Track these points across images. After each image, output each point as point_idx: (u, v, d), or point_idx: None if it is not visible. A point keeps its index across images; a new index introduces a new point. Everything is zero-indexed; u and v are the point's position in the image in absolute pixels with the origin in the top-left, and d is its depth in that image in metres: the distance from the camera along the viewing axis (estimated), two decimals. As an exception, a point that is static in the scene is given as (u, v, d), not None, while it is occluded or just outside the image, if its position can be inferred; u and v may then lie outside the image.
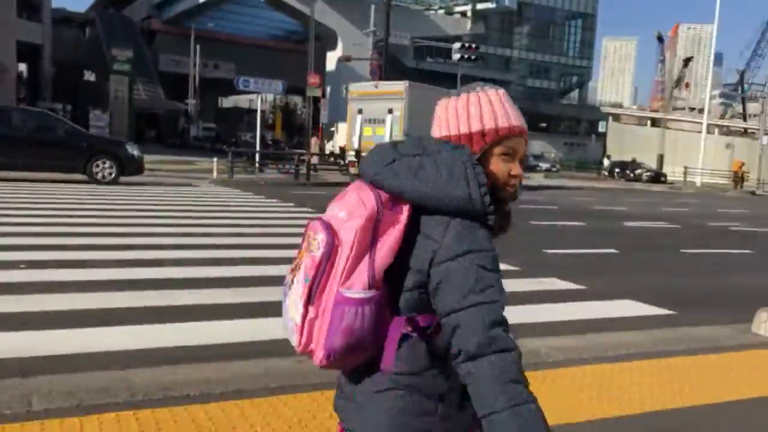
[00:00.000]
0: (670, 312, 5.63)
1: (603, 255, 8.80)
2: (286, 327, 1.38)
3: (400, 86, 20.84)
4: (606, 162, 48.36)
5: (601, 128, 59.32)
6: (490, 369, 1.21)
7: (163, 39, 62.18)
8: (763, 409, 3.48)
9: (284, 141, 35.65)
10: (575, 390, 3.50)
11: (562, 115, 74.54)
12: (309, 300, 1.30)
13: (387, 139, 19.86)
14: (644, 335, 4.79)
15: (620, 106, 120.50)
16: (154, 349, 3.95)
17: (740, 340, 4.76)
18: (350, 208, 1.31)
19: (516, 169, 1.39)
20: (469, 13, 60.02)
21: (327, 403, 3.04)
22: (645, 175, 40.82)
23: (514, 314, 4.72)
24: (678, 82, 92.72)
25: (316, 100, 34.84)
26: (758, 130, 47.80)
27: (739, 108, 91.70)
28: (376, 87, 21.60)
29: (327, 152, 33.28)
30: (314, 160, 25.69)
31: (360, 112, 21.14)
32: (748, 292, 6.23)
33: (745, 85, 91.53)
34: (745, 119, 78.35)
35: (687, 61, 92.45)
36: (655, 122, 59.50)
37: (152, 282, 5.64)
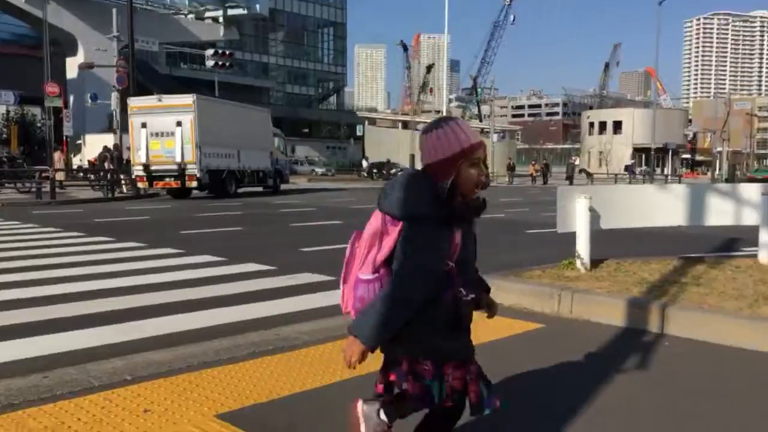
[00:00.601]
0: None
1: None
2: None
3: (188, 99, 21.02)
4: (365, 163, 51.41)
5: (359, 132, 62.71)
6: (384, 288, 2.07)
7: None
8: (483, 351, 4.29)
9: (22, 157, 32.07)
10: (325, 361, 3.96)
11: (322, 120, 77.34)
12: (345, 280, 2.22)
13: (178, 152, 20.55)
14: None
15: (375, 110, 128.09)
16: None
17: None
18: (369, 225, 2.16)
19: (482, 170, 2.10)
20: (221, 19, 59.36)
21: (76, 411, 3.13)
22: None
23: (269, 308, 5.13)
24: (423, 87, 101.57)
25: (57, 111, 31.95)
26: (490, 129, 54.43)
27: (476, 110, 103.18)
28: (160, 101, 21.51)
29: (74, 167, 30.76)
30: (60, 176, 23.64)
31: (144, 126, 20.81)
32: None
33: (478, 89, 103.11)
34: (480, 120, 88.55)
35: (429, 68, 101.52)
36: (406, 124, 64.61)
37: None
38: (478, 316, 2.32)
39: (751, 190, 7.34)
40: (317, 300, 6.03)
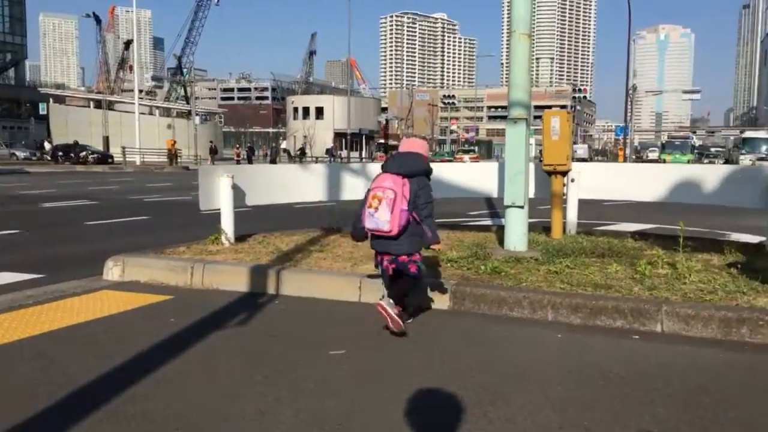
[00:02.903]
0: (40, 276, 6.22)
1: (1, 236, 8.82)
2: (376, 224, 4.15)
3: None
4: (47, 145, 46.31)
5: (42, 110, 55.91)
6: (427, 223, 4.22)
7: None
8: (99, 324, 4.36)
9: None
10: None
11: (-2, 97, 67.49)
12: (392, 211, 4.08)
13: None
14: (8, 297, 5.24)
15: (63, 87, 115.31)
16: None
17: (91, 286, 5.68)
18: (394, 183, 4.15)
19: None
20: None
21: None
22: (91, 157, 40.83)
23: None
24: (122, 64, 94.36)
25: None
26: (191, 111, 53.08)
27: (182, 91, 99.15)
28: None
29: None
30: None
31: None
32: (123, 250, 7.25)
33: (184, 70, 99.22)
34: (187, 101, 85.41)
35: (128, 43, 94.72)
36: (100, 103, 59.43)
37: None
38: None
39: (377, 168, 8.56)
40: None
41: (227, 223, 6.98)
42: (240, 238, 7.35)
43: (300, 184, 7.94)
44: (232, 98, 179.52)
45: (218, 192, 6.99)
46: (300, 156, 47.85)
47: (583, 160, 70.70)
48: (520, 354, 3.96)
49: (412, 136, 4.67)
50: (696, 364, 3.77)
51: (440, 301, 5.05)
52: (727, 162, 50.46)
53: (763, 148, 52.16)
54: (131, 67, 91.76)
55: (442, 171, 9.05)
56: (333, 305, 5.11)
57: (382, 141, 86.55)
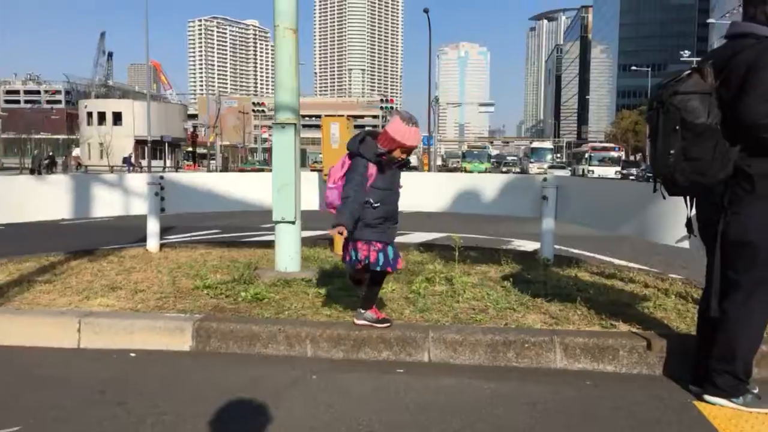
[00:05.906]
0: None
1: None
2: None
3: None
4: None
5: None
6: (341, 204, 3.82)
7: None
8: None
9: None
10: None
11: None
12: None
13: None
14: None
15: None
16: None
17: None
18: (338, 163, 3.98)
19: (405, 155, 3.93)
20: None
21: None
22: None
23: None
24: None
25: None
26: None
27: None
28: None
29: None
30: None
31: None
32: None
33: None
34: None
35: None
36: None
37: None
38: None
39: (137, 180, 7.43)
40: None
41: None
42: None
43: (37, 199, 6.57)
44: (17, 101, 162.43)
45: None
46: (48, 167, 39.87)
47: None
48: (259, 409, 3.22)
49: (402, 119, 3.87)
50: (457, 402, 3.29)
51: (180, 341, 4.17)
52: (522, 171, 54.96)
53: (548, 156, 57.77)
54: None
55: (237, 182, 8.01)
56: (41, 356, 4.01)
57: (190, 149, 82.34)
